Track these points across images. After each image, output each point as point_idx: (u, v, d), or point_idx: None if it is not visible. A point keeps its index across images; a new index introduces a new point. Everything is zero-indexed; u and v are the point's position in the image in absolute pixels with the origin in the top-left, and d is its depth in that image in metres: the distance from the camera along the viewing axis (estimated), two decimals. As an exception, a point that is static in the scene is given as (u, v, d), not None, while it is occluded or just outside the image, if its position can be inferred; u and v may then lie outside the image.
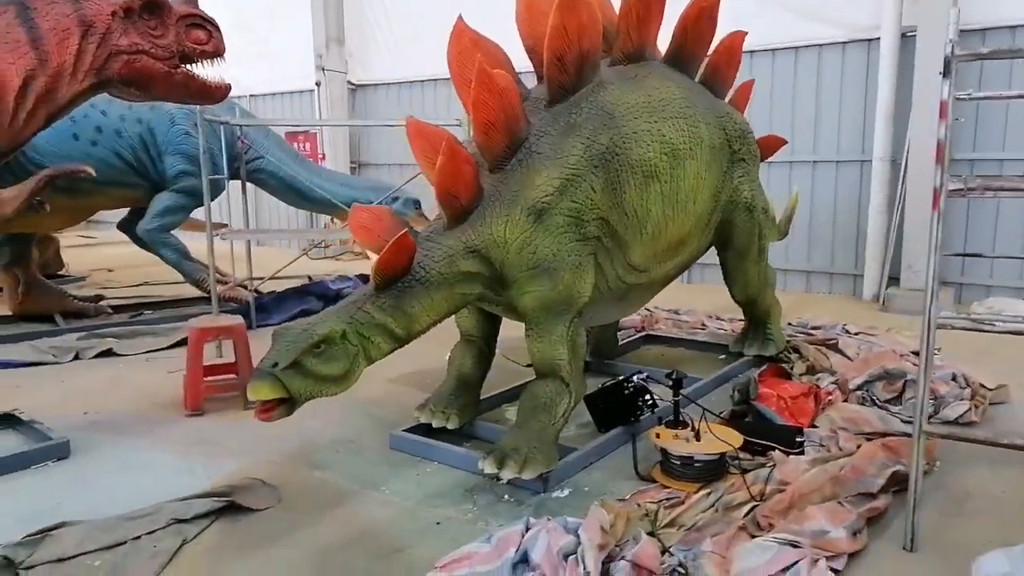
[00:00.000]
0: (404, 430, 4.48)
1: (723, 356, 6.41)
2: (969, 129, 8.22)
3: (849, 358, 6.01)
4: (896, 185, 8.58)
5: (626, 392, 4.43)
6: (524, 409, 3.96)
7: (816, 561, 2.96)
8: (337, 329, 3.47)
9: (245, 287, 7.76)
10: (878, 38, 8.31)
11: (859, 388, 5.10)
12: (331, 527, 3.51)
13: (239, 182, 7.48)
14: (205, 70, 4.85)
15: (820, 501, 3.51)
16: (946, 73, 2.86)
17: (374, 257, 3.77)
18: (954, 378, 5.07)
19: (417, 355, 4.71)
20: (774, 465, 3.80)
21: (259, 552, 3.30)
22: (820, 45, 8.90)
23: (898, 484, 3.68)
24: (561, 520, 3.15)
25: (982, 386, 5.05)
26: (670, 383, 4.16)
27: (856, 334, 6.76)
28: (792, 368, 5.64)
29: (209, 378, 5.15)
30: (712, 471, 3.79)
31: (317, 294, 8.50)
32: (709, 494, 3.58)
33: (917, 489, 3.22)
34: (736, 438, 3.87)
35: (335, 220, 13.36)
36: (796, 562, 2.89)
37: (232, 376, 5.27)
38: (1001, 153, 8.17)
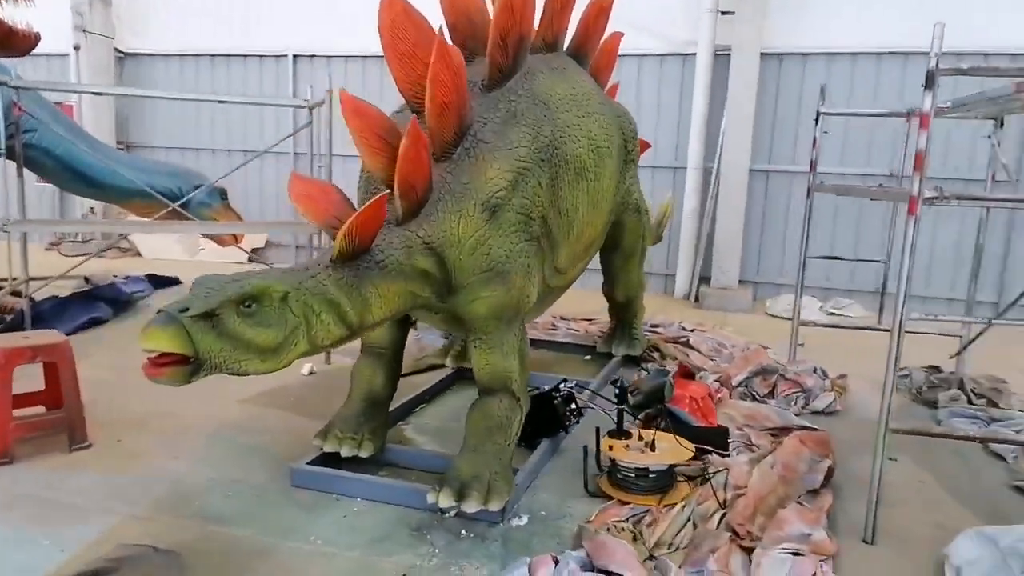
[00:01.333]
0: (308, 463, 3.79)
1: (588, 357, 6.41)
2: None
3: (703, 354, 6.34)
4: (707, 191, 9.28)
5: (555, 401, 4.16)
6: (477, 430, 3.51)
7: (822, 566, 2.94)
8: (277, 289, 2.81)
9: (19, 293, 6.18)
10: (694, 53, 8.91)
11: (740, 384, 5.34)
12: (271, 598, 2.81)
13: (15, 163, 5.92)
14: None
15: (776, 503, 3.55)
16: (928, 86, 2.98)
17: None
18: (815, 371, 5.51)
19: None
20: (726, 470, 3.77)
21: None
22: (640, 56, 9.34)
23: (828, 478, 3.85)
24: (573, 558, 2.80)
25: (838, 377, 5.55)
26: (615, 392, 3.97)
27: (692, 331, 7.15)
28: (657, 365, 5.79)
29: (19, 413, 3.95)
30: (666, 481, 3.65)
31: (108, 299, 7.10)
32: (684, 507, 3.44)
33: (879, 484, 3.36)
34: (688, 446, 3.78)
35: (93, 211, 11.41)
36: (814, 572, 2.84)
37: (51, 410, 4.11)
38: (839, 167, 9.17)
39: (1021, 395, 5.22)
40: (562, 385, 4.23)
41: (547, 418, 4.21)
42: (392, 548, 3.16)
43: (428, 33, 3.43)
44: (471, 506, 3.23)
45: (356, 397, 4.00)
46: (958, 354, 5.32)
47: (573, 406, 4.22)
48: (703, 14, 8.71)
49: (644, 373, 5.54)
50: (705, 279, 9.35)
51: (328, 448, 3.85)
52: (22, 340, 3.97)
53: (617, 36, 5.22)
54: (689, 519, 3.37)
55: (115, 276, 7.82)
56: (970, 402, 5.12)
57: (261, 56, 11.00)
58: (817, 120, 5.15)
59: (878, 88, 8.76)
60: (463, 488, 3.29)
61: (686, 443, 3.79)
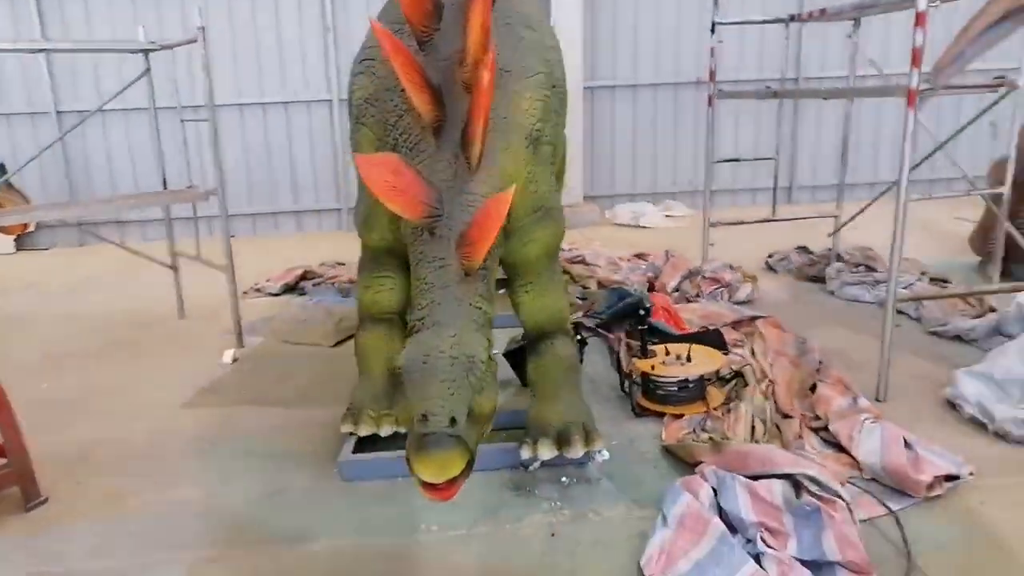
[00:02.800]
0: (353, 452, 3.39)
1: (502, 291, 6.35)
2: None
3: (603, 268, 6.59)
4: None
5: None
6: (552, 376, 3.35)
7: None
8: (487, 348, 2.47)
9: None
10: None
11: (675, 289, 5.67)
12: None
13: None
14: None
15: (800, 385, 3.90)
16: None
17: None
18: (730, 267, 6.00)
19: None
20: (750, 366, 4.03)
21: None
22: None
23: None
24: (710, 474, 2.87)
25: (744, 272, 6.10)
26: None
27: (569, 249, 7.35)
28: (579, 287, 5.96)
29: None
30: (701, 389, 3.82)
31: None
32: (741, 405, 3.64)
33: (887, 351, 3.83)
34: (716, 353, 3.97)
35: None
36: (901, 435, 3.18)
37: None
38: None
39: (886, 259, 6.16)
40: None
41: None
42: (514, 513, 2.99)
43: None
44: (576, 451, 3.12)
45: (376, 371, 3.61)
46: (835, 232, 6.10)
47: (580, 336, 4.20)
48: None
49: (584, 298, 5.66)
50: (552, 199, 9.60)
51: (364, 432, 3.46)
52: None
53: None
54: (752, 414, 3.58)
55: None
56: (855, 270, 5.94)
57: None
58: (713, 30, 5.43)
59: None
60: (561, 436, 3.16)
61: (714, 351, 3.98)
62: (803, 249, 6.67)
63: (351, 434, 3.48)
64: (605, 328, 4.91)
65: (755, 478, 2.83)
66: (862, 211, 5.49)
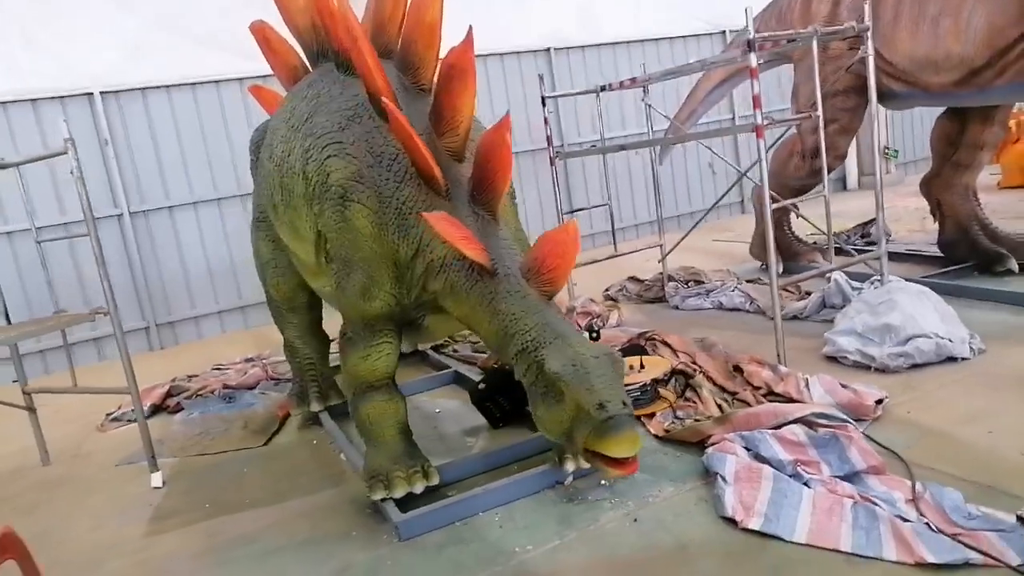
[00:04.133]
0: (407, 511, 3.43)
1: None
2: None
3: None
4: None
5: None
6: None
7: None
8: None
9: None
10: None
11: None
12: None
13: None
14: None
15: (726, 371, 4.68)
16: (751, 48, 4.35)
17: None
18: (591, 300, 6.77)
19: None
20: (688, 366, 4.73)
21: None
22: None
23: (714, 349, 5.15)
24: (735, 437, 3.46)
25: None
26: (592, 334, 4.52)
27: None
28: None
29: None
30: (656, 390, 4.43)
31: None
32: (705, 392, 4.29)
33: (780, 330, 4.76)
34: (660, 361, 4.60)
35: None
36: (839, 382, 4.04)
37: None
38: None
39: (708, 272, 7.40)
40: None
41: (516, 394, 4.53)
42: (587, 516, 3.28)
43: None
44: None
45: (392, 433, 3.71)
46: (663, 258, 7.19)
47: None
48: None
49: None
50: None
51: (398, 493, 3.53)
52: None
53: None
54: (712, 396, 4.25)
55: None
56: (686, 286, 7.06)
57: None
58: (544, 103, 6.30)
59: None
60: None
61: (657, 358, 4.62)
62: (634, 278, 7.72)
63: (383, 499, 3.52)
64: (485, 396, 5.11)
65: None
66: (684, 238, 6.66)
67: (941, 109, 6.44)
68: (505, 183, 3.16)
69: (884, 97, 6.06)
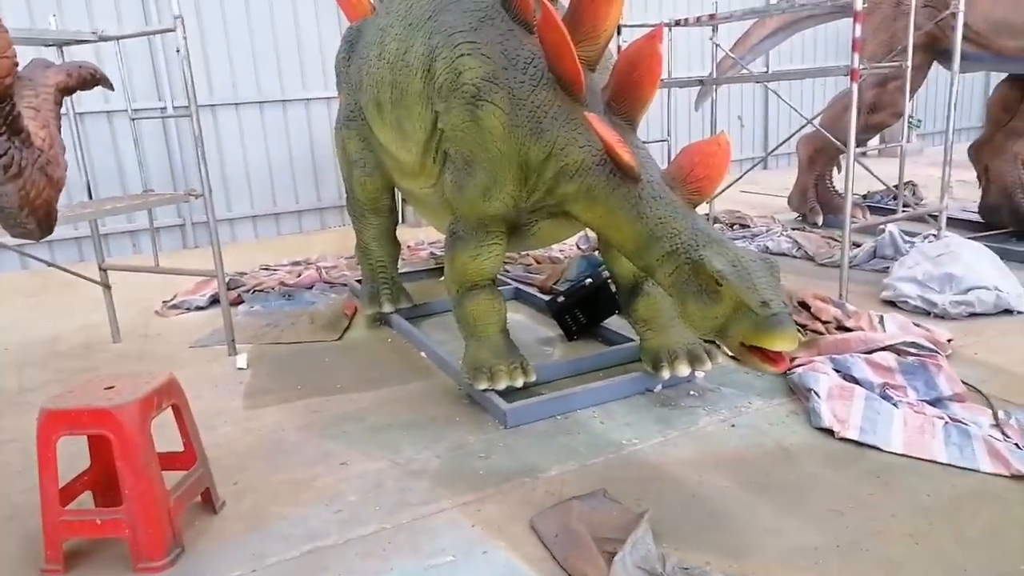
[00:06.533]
0: (512, 402, 3.64)
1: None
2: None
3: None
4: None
5: (599, 291, 4.67)
6: (661, 308, 3.86)
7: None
8: None
9: None
10: None
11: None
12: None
13: None
14: None
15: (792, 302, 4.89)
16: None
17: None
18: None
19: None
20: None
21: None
22: None
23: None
24: (824, 360, 3.68)
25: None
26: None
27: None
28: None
29: (71, 510, 2.71)
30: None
31: None
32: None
33: (846, 271, 4.96)
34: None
35: None
36: (907, 320, 4.27)
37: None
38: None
39: (755, 217, 7.56)
40: (587, 280, 4.75)
41: (594, 307, 4.72)
42: (684, 419, 3.51)
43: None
44: (707, 366, 3.75)
45: (495, 331, 3.88)
46: (710, 201, 7.33)
47: (613, 288, 4.77)
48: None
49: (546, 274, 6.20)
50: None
51: (502, 385, 3.71)
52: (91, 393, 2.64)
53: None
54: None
55: None
56: (731, 229, 7.23)
57: None
58: (619, 31, 6.33)
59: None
60: (691, 355, 3.75)
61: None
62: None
63: (485, 390, 3.71)
64: (566, 309, 5.26)
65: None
66: (738, 179, 6.80)
67: (979, 80, 6.58)
68: (652, 93, 3.25)
69: (950, 58, 6.16)
